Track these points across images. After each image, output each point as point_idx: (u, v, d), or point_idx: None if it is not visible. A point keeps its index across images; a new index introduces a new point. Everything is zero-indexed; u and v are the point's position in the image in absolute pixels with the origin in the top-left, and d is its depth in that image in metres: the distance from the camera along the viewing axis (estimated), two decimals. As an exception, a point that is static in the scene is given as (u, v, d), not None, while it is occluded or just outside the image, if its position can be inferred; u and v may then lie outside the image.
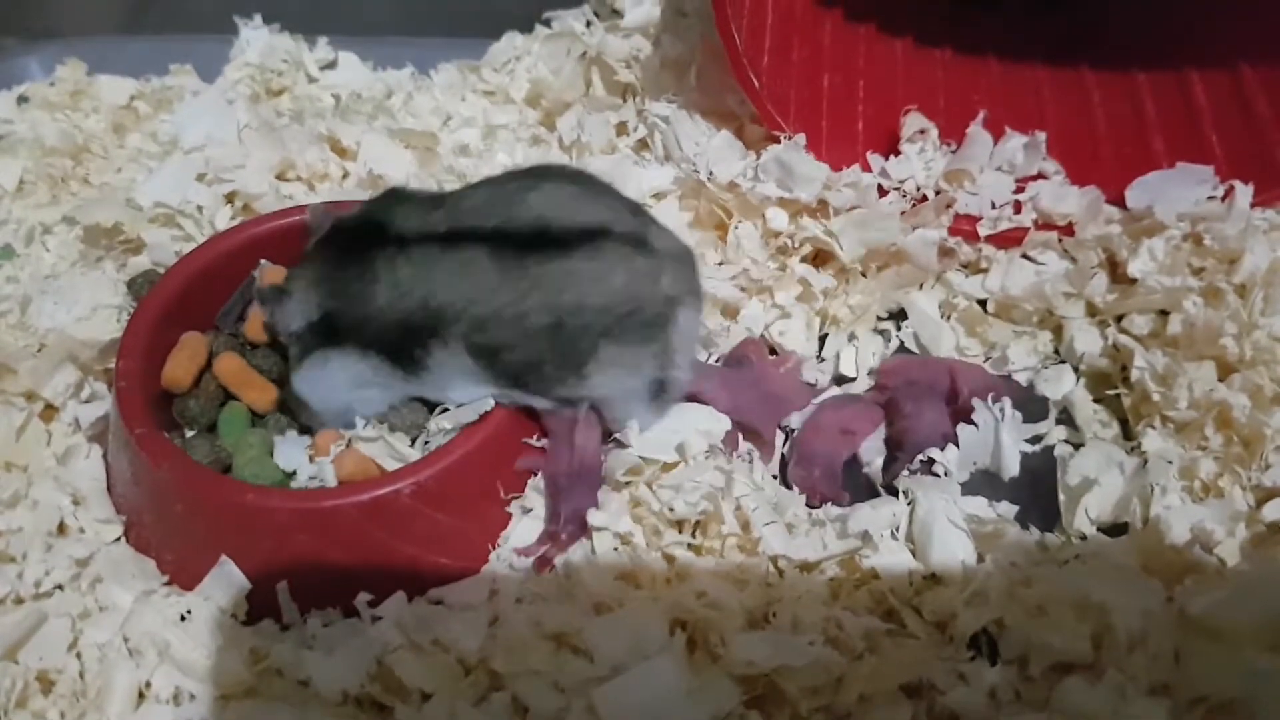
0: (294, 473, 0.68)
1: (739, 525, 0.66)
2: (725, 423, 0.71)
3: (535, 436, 0.69)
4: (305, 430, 0.71)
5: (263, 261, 0.77)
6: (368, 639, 0.61)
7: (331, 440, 0.68)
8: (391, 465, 0.66)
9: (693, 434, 0.68)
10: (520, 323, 0.64)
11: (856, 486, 0.74)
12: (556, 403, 0.68)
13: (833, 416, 0.76)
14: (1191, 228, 0.84)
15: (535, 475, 0.69)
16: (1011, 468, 0.72)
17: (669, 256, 0.69)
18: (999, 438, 0.73)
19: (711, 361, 0.80)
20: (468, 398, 0.68)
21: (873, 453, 0.75)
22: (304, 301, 0.68)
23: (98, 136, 1.04)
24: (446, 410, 0.68)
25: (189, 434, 0.72)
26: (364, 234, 0.68)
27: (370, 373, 0.68)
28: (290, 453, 0.69)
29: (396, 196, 0.71)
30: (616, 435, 0.69)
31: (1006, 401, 0.74)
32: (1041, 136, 0.91)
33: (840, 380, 0.82)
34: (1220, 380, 0.75)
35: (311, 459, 0.68)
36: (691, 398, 0.72)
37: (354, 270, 0.67)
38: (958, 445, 0.73)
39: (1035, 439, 0.76)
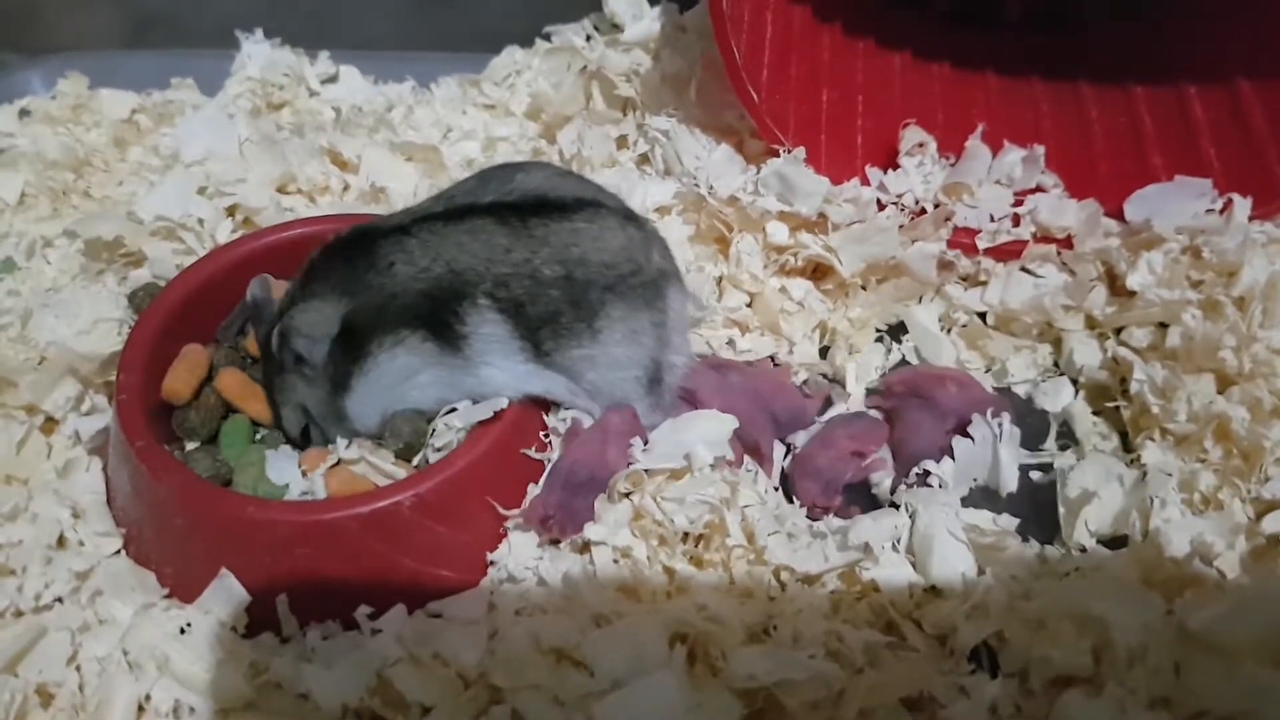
0: (286, 486, 0.68)
1: (744, 537, 0.66)
2: (732, 420, 0.70)
3: (534, 448, 0.69)
4: (298, 445, 0.71)
5: (267, 277, 0.76)
6: (367, 652, 0.61)
7: (321, 457, 0.68)
8: (382, 482, 0.66)
9: (699, 445, 0.68)
10: (535, 275, 0.67)
11: (859, 499, 0.73)
12: (573, 387, 0.69)
13: (843, 433, 0.76)
14: (1190, 241, 0.84)
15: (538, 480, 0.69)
16: (1009, 484, 0.72)
17: (655, 235, 0.73)
18: (997, 454, 0.73)
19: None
20: (505, 376, 0.68)
21: (883, 473, 0.75)
22: (321, 323, 0.66)
23: (99, 150, 1.04)
24: (454, 410, 0.68)
25: (189, 447, 0.72)
26: (359, 237, 0.69)
27: (412, 356, 0.67)
28: (282, 467, 0.69)
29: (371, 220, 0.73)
30: None
31: (1005, 418, 0.74)
32: (1040, 150, 0.91)
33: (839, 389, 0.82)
34: (1219, 393, 0.75)
35: (305, 474, 0.68)
36: (687, 398, 0.73)
37: (364, 263, 0.67)
38: (953, 458, 0.73)
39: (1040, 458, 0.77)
